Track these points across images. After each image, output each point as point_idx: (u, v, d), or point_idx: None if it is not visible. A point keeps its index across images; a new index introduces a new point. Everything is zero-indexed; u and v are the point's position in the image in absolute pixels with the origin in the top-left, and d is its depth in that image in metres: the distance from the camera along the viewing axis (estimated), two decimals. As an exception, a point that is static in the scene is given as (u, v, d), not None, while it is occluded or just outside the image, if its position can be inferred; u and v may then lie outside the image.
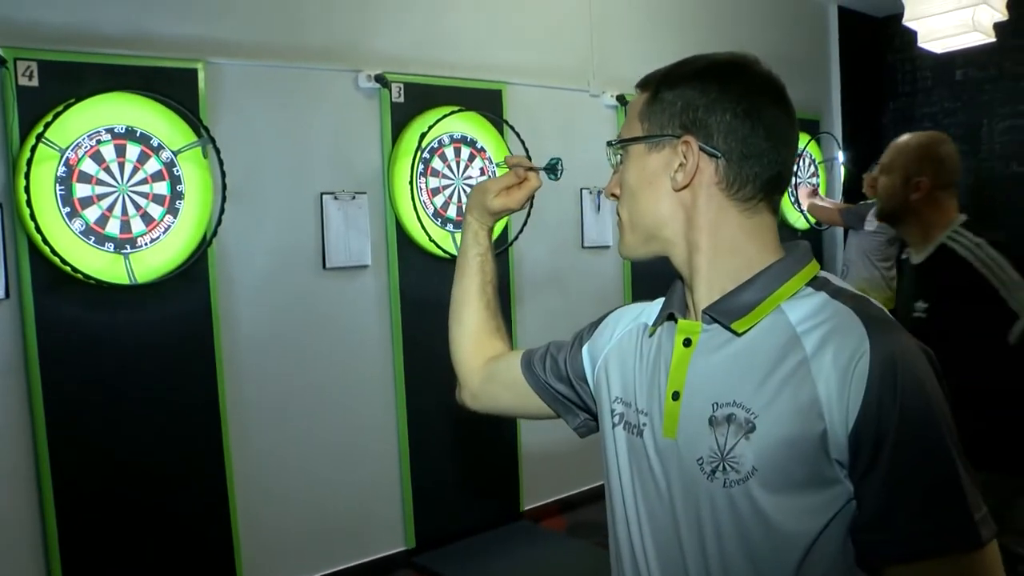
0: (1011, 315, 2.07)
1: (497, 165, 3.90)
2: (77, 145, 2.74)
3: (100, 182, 2.79)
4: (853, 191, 5.67)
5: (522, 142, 3.90)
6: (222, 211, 3.04)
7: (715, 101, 0.96)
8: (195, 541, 3.07)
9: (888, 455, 0.85)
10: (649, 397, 1.04)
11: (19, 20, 2.76)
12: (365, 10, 3.62)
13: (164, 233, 2.92)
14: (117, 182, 2.83)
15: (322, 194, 3.47)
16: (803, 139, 5.39)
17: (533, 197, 1.39)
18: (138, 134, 2.86)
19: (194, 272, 3.03)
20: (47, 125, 2.64)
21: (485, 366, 1.39)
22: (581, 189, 4.41)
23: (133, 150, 2.86)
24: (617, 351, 1.15)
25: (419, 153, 3.57)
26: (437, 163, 3.71)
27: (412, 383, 3.70)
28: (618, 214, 1.08)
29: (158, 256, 2.92)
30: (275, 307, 3.37)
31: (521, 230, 3.93)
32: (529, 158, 3.87)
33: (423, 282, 3.71)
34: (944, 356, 0.94)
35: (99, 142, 2.79)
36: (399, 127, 3.65)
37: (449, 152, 3.76)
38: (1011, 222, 5.81)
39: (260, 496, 3.30)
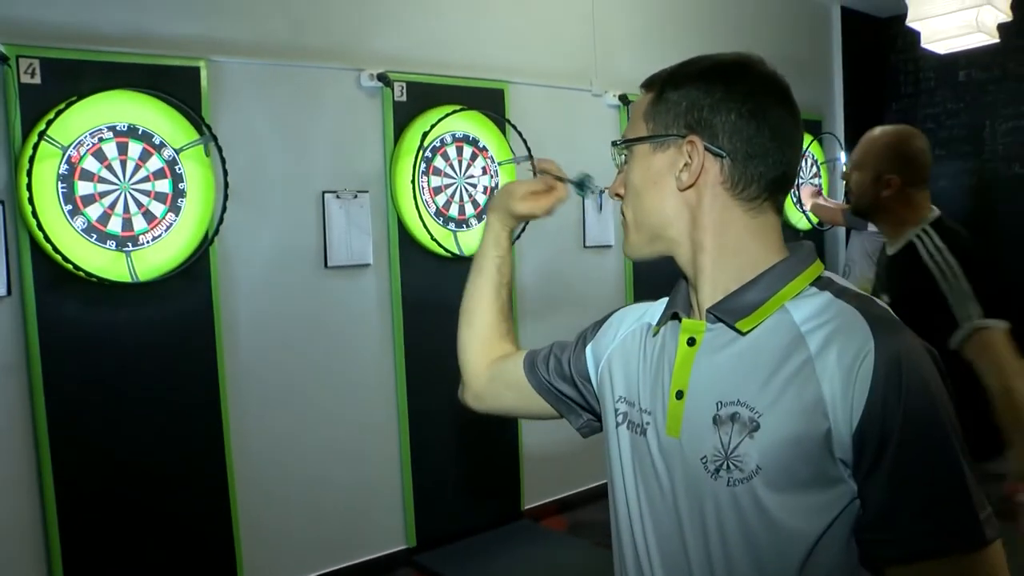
0: (956, 322, 2.07)
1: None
2: (79, 143, 2.74)
3: (102, 180, 2.79)
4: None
5: (524, 141, 3.90)
6: (224, 209, 3.04)
7: (720, 101, 0.96)
8: (196, 539, 3.07)
9: (892, 454, 0.85)
10: (653, 396, 1.04)
11: (21, 18, 2.76)
12: (368, 9, 3.62)
13: (166, 231, 2.92)
14: (119, 180, 2.82)
15: (324, 193, 3.47)
16: (806, 139, 5.37)
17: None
18: (140, 132, 2.86)
19: (196, 270, 3.03)
20: (49, 123, 2.64)
21: (489, 367, 1.38)
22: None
23: (135, 148, 2.86)
24: (621, 351, 1.15)
25: (421, 152, 3.56)
26: (439, 162, 3.71)
27: (413, 382, 3.70)
28: (622, 214, 1.08)
29: (160, 254, 2.92)
30: (276, 306, 3.37)
31: (523, 229, 3.92)
32: (530, 157, 3.88)
33: (425, 281, 3.71)
34: None
35: (101, 140, 2.78)
36: (401, 126, 3.65)
37: (451, 151, 3.76)
38: (1013, 223, 5.80)
39: (260, 494, 3.30)
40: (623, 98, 4.50)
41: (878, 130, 2.33)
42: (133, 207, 2.85)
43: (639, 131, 1.03)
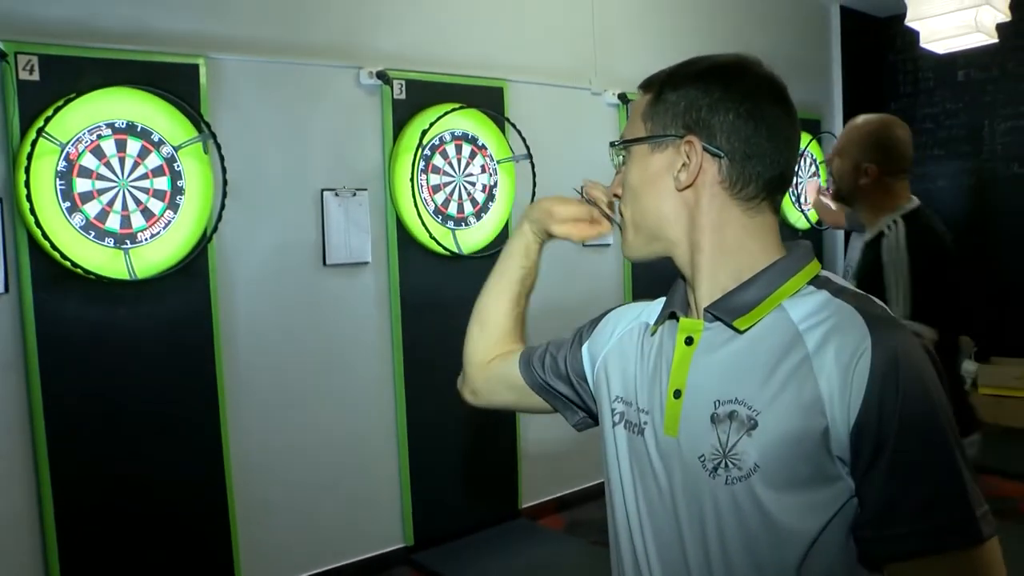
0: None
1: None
2: (78, 140, 2.73)
3: (100, 177, 2.79)
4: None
5: (523, 140, 3.90)
6: (222, 207, 3.03)
7: (718, 101, 0.96)
8: (192, 535, 3.07)
9: (890, 452, 0.85)
10: (650, 396, 1.04)
11: (20, 14, 2.75)
12: (367, 6, 3.62)
13: (164, 229, 2.92)
14: (117, 177, 2.82)
15: (323, 190, 3.47)
16: (804, 139, 5.38)
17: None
18: (139, 129, 2.86)
19: (194, 268, 3.03)
20: (48, 119, 2.64)
21: (488, 365, 1.39)
22: (582, 187, 4.40)
23: (134, 145, 2.85)
24: (617, 350, 1.15)
25: (420, 150, 3.56)
26: (438, 160, 3.71)
27: (412, 380, 3.70)
28: (620, 214, 1.09)
29: (158, 252, 2.91)
30: (275, 303, 3.37)
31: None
32: (530, 156, 3.88)
33: (423, 279, 3.71)
34: None
35: (100, 137, 2.78)
36: (400, 124, 3.65)
37: (450, 149, 3.76)
38: (1012, 223, 5.81)
39: (258, 491, 3.30)
40: (622, 97, 4.50)
41: (861, 119, 2.36)
42: (131, 204, 2.85)
43: (637, 131, 1.03)
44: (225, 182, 3.03)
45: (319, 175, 3.48)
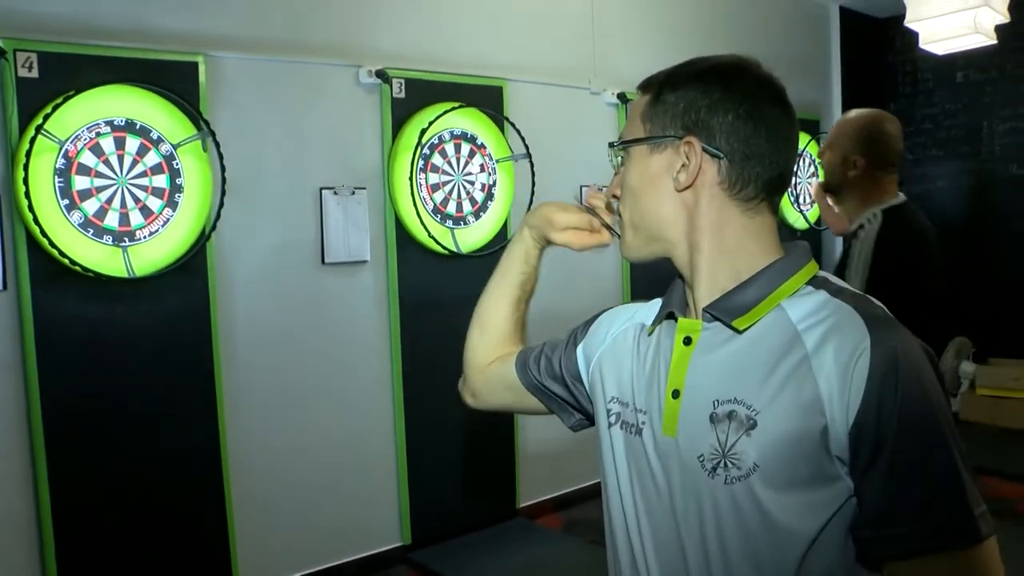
0: None
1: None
2: (76, 137, 2.73)
3: (99, 174, 2.79)
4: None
5: (522, 139, 3.90)
6: (221, 205, 3.03)
7: (718, 102, 0.97)
8: (190, 534, 3.07)
9: (889, 451, 0.85)
10: (648, 396, 1.04)
11: (19, 11, 2.75)
12: (367, 5, 3.62)
13: (163, 226, 2.92)
14: (116, 175, 2.82)
15: (321, 189, 3.47)
16: (803, 139, 5.38)
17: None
18: (138, 127, 2.86)
19: (193, 266, 3.02)
20: (46, 117, 2.63)
21: (487, 368, 1.39)
22: (581, 186, 4.41)
23: (132, 143, 2.85)
24: (612, 351, 1.16)
25: (419, 149, 3.56)
26: (437, 159, 3.71)
27: (410, 379, 3.70)
28: (619, 215, 1.09)
29: (157, 249, 2.91)
30: (274, 302, 3.37)
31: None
32: (529, 155, 3.88)
33: (422, 278, 3.71)
34: None
35: (98, 134, 2.78)
36: (399, 123, 3.64)
37: (449, 148, 3.76)
38: (1010, 224, 5.82)
39: (255, 489, 3.30)
40: (622, 96, 4.50)
41: (853, 113, 2.40)
42: (130, 202, 2.85)
43: (636, 132, 1.03)
44: (224, 180, 3.03)
45: (318, 173, 3.48)
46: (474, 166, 3.85)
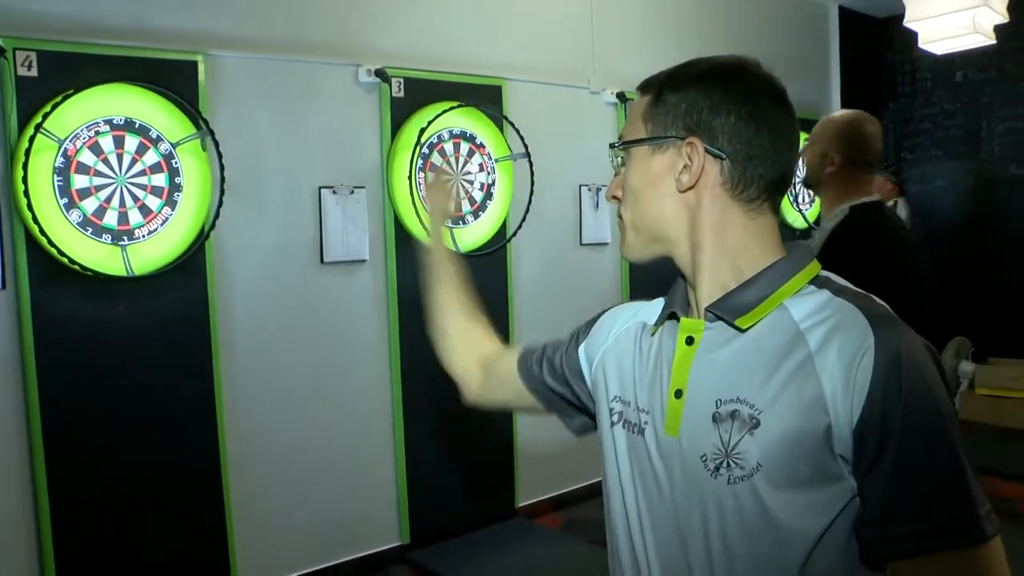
0: None
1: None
2: (75, 136, 2.73)
3: (98, 173, 2.78)
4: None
5: (521, 138, 3.89)
6: (220, 204, 3.03)
7: (719, 103, 0.97)
8: (188, 533, 3.07)
9: (893, 451, 0.85)
10: (650, 395, 1.04)
11: (19, 10, 2.75)
12: (366, 5, 3.61)
13: (162, 225, 2.92)
14: (115, 174, 2.82)
15: (320, 188, 3.47)
16: (803, 139, 5.38)
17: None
18: (137, 126, 2.86)
19: (191, 265, 3.02)
20: (46, 115, 2.63)
21: (484, 366, 1.39)
22: (580, 186, 4.41)
23: (132, 142, 2.85)
24: (615, 350, 1.15)
25: (418, 148, 3.56)
26: (436, 158, 3.71)
27: (408, 378, 3.70)
28: (620, 216, 1.08)
29: (155, 248, 2.91)
30: (272, 301, 3.37)
31: (519, 227, 3.92)
32: (528, 154, 3.88)
33: (421, 278, 3.70)
34: None
35: (97, 133, 2.78)
36: (398, 122, 3.64)
37: (448, 147, 3.76)
38: (1009, 224, 5.82)
39: (254, 488, 3.30)
40: (621, 96, 4.50)
41: (836, 113, 2.50)
42: (129, 201, 2.85)
43: (638, 133, 1.03)
44: (223, 179, 3.03)
45: (317, 172, 3.47)
46: (473, 165, 3.85)
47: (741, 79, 0.98)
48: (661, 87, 1.01)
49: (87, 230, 2.75)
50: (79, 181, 2.74)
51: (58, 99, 2.67)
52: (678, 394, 0.99)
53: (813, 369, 0.89)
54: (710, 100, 0.97)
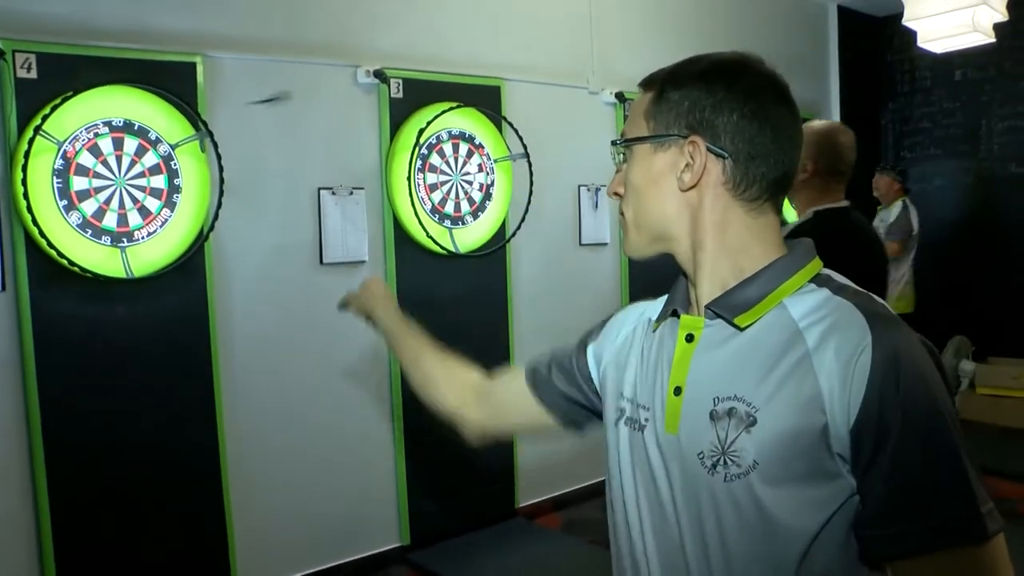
0: None
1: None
2: (75, 138, 2.73)
3: (97, 175, 2.78)
4: (850, 191, 5.67)
5: (520, 139, 3.89)
6: (219, 205, 3.03)
7: (722, 101, 0.96)
8: (189, 535, 3.07)
9: (891, 449, 0.85)
10: (651, 393, 1.04)
11: (18, 12, 2.75)
12: (365, 5, 3.61)
13: (161, 227, 2.91)
14: (114, 175, 2.82)
15: (319, 189, 3.47)
16: (802, 138, 5.38)
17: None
18: (136, 127, 2.85)
19: (191, 266, 3.02)
20: (45, 117, 2.63)
21: (478, 395, 1.38)
22: (579, 186, 4.41)
23: (131, 143, 2.85)
24: (621, 349, 1.16)
25: (417, 149, 3.56)
26: (435, 159, 3.71)
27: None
28: (621, 213, 1.08)
29: (155, 250, 2.91)
30: (272, 302, 3.37)
31: (519, 227, 3.92)
32: (527, 155, 3.88)
33: (420, 278, 3.71)
34: None
35: (97, 135, 2.78)
36: (397, 123, 3.64)
37: (447, 148, 3.76)
38: (1009, 223, 5.82)
39: (254, 490, 3.29)
40: (620, 96, 4.50)
41: (813, 122, 2.58)
42: (128, 203, 2.85)
43: (639, 130, 1.03)
44: (222, 180, 3.03)
45: (316, 174, 3.47)
46: (472, 166, 3.85)
47: (744, 76, 0.98)
48: (663, 84, 1.01)
49: (87, 232, 2.75)
50: (78, 183, 2.74)
51: (57, 101, 2.67)
52: (677, 391, 0.99)
53: (811, 367, 0.89)
54: (713, 98, 0.96)
